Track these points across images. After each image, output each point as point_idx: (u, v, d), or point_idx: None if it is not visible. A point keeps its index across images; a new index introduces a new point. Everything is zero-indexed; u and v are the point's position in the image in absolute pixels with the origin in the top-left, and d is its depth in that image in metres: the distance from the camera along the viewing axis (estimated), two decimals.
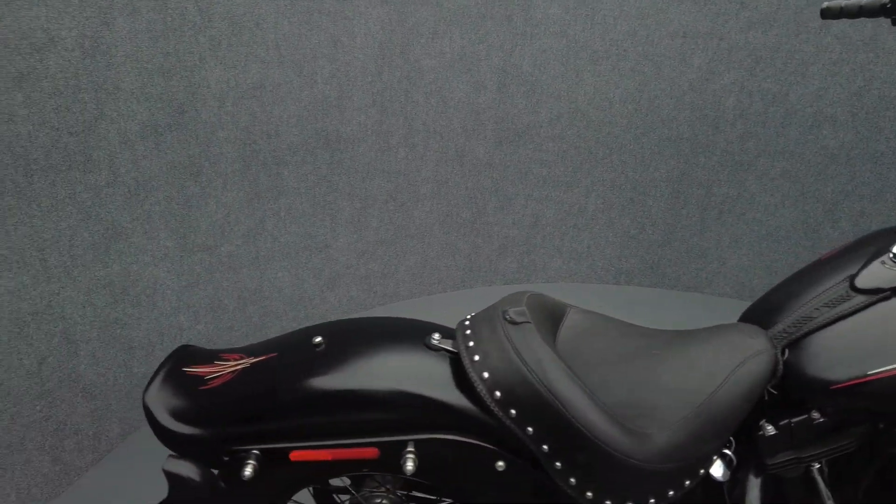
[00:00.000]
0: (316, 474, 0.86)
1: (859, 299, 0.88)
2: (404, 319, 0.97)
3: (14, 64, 1.30)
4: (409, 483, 1.04)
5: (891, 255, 0.89)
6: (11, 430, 1.46)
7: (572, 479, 0.79)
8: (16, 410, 1.46)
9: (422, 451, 0.82)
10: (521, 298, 0.92)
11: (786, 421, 0.88)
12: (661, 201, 2.70)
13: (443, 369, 0.86)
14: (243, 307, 2.10)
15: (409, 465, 0.79)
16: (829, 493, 0.90)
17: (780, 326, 0.93)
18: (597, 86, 2.50)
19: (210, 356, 0.93)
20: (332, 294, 2.42)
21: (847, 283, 0.91)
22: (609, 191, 2.69)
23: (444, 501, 1.02)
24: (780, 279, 2.71)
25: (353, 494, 1.00)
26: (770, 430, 0.88)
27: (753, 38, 2.37)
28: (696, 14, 2.38)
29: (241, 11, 1.79)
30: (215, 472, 0.84)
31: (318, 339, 0.88)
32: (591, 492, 0.79)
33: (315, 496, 1.08)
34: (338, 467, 0.85)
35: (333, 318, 2.48)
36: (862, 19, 2.26)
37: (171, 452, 0.84)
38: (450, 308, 2.63)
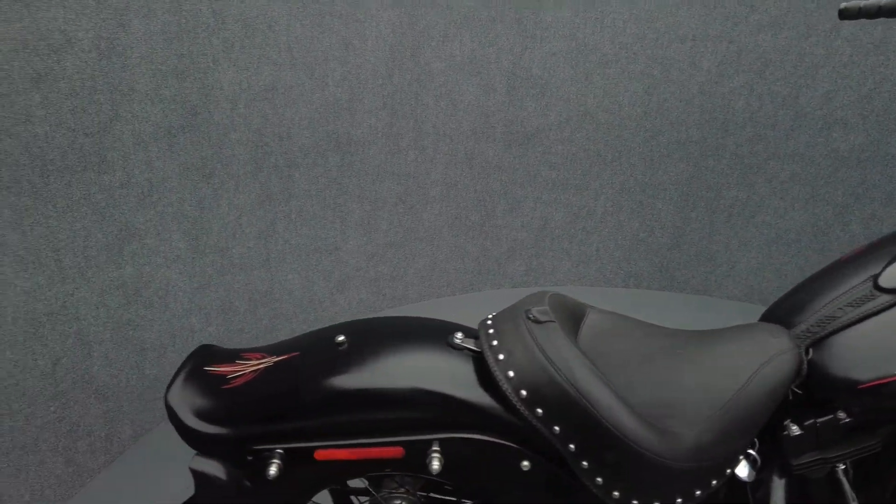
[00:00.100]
0: (339, 474, 0.85)
1: (884, 298, 0.87)
2: (426, 319, 0.97)
3: (32, 65, 1.31)
4: (428, 484, 1.03)
5: None
6: (26, 431, 1.46)
7: (599, 479, 0.78)
8: (30, 411, 1.46)
9: (447, 450, 0.81)
10: (542, 298, 0.92)
11: (811, 421, 0.88)
12: (670, 204, 2.69)
13: (466, 368, 0.85)
14: (254, 309, 2.10)
15: (436, 465, 0.78)
16: (853, 495, 0.89)
17: (802, 326, 0.93)
18: (606, 89, 2.51)
19: (231, 355, 0.93)
20: (342, 296, 2.42)
21: (871, 283, 0.90)
22: (618, 194, 2.69)
23: (465, 503, 1.01)
24: (789, 282, 2.70)
25: (372, 495, 1.00)
26: (795, 430, 0.88)
27: (763, 41, 2.37)
28: (705, 17, 2.38)
29: (254, 14, 1.80)
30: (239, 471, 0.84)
31: (341, 337, 0.88)
32: (619, 491, 0.78)
33: (333, 497, 1.08)
34: (361, 467, 0.85)
35: (342, 320, 2.47)
36: (880, 19, 2.26)
37: (196, 452, 0.83)
38: (459, 311, 2.63)
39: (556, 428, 0.78)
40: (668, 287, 2.86)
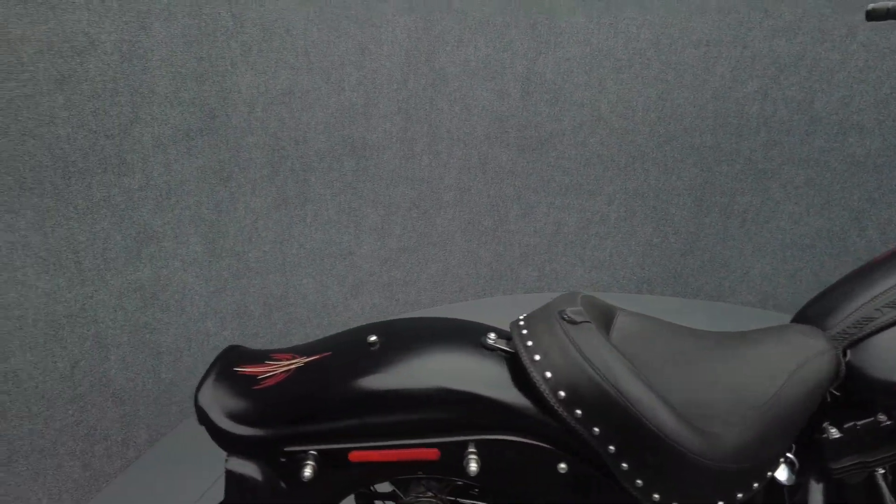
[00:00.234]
0: (372, 476, 0.84)
1: None
2: (456, 319, 0.96)
3: (57, 66, 1.31)
4: (455, 489, 1.02)
5: None
6: (45, 434, 1.45)
7: (639, 481, 0.77)
8: (49, 414, 1.45)
9: (482, 452, 0.80)
10: (575, 299, 0.91)
11: (851, 424, 0.86)
12: (684, 210, 2.68)
13: (501, 369, 0.84)
14: (269, 314, 2.09)
15: (473, 466, 0.77)
16: (893, 500, 0.88)
17: (838, 328, 0.92)
18: (620, 94, 2.50)
19: (261, 356, 0.92)
20: (355, 301, 2.41)
21: None
22: (631, 199, 2.68)
23: None
24: (804, 288, 2.68)
25: (400, 498, 0.99)
26: (834, 433, 0.86)
27: (777, 46, 2.37)
28: (719, 23, 2.38)
29: (273, 18, 1.80)
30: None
31: (373, 337, 0.87)
32: (659, 493, 0.77)
33: (358, 501, 1.06)
34: (394, 469, 0.83)
35: (355, 325, 2.46)
36: None
37: (226, 453, 0.82)
38: (471, 316, 2.61)
39: (596, 429, 0.77)
40: (682, 293, 2.84)
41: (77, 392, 1.52)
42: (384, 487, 1.38)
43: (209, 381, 0.87)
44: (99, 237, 1.50)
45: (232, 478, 0.79)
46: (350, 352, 0.87)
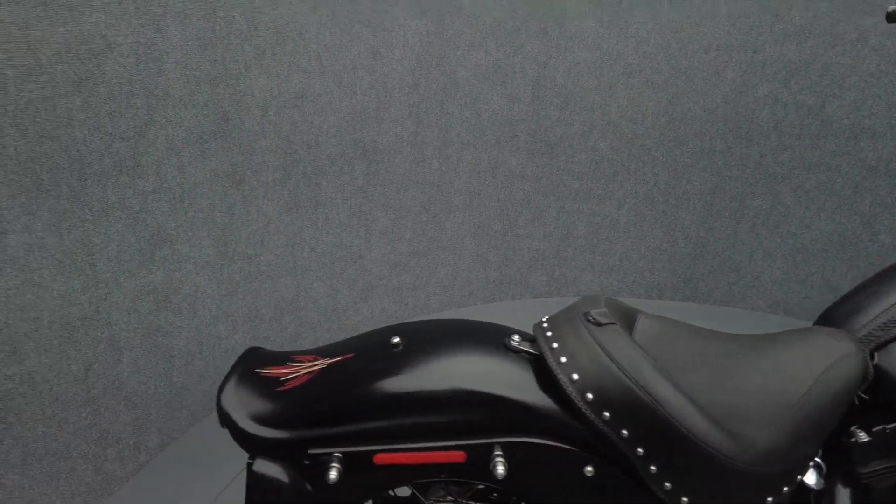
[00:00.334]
0: (397, 478, 0.83)
1: None
2: (479, 322, 0.95)
3: (74, 69, 1.31)
4: (475, 493, 1.01)
5: None
6: (58, 437, 1.44)
7: (667, 484, 0.76)
8: (63, 417, 1.45)
9: (508, 454, 0.80)
10: (598, 301, 0.90)
11: (880, 427, 0.85)
12: (694, 214, 2.68)
13: (525, 371, 0.84)
14: (280, 317, 2.09)
15: (500, 469, 0.76)
16: None
17: (864, 331, 0.91)
18: (630, 98, 2.50)
19: (282, 358, 0.92)
20: (365, 305, 2.40)
21: None
22: (641, 203, 2.68)
23: None
24: (815, 293, 2.67)
25: (420, 502, 0.98)
26: (863, 436, 0.86)
27: (788, 50, 2.37)
28: (729, 27, 2.38)
29: (286, 21, 1.81)
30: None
31: (396, 339, 0.87)
32: (688, 496, 0.76)
33: None
34: (420, 471, 0.83)
35: (366, 329, 2.46)
36: None
37: (256, 455, 0.81)
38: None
39: (624, 431, 0.76)
40: (692, 297, 2.83)
41: (90, 395, 1.51)
42: (402, 491, 1.37)
43: (231, 383, 0.86)
44: (113, 239, 1.50)
45: (257, 479, 0.78)
46: (373, 353, 0.86)
